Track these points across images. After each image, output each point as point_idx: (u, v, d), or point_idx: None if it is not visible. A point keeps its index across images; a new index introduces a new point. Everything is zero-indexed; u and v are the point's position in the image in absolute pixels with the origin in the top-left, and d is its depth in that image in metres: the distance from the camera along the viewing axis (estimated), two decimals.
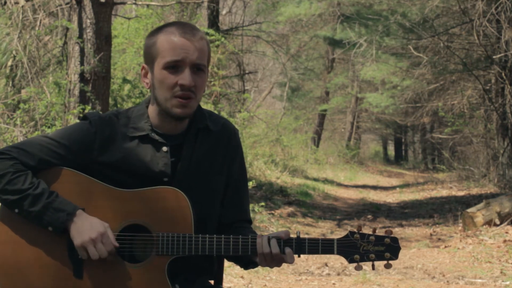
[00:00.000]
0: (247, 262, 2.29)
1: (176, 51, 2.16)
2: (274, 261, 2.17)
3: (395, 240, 2.20)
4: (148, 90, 2.28)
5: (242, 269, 2.39)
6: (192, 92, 2.18)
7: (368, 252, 2.19)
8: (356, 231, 2.20)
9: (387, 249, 2.19)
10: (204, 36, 2.22)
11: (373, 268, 2.21)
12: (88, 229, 2.13)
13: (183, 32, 2.18)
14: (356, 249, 2.19)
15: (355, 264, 2.19)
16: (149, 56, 2.22)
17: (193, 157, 2.28)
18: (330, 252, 2.18)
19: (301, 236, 2.19)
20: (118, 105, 8.79)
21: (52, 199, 2.14)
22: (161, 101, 2.20)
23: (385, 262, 2.19)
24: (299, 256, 2.19)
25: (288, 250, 2.16)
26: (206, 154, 2.30)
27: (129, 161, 2.23)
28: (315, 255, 7.36)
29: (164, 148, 2.24)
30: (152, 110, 2.27)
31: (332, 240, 2.19)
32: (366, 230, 2.21)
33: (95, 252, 2.12)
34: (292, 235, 2.20)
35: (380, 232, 2.22)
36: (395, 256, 2.19)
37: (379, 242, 2.19)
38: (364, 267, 2.22)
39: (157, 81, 2.19)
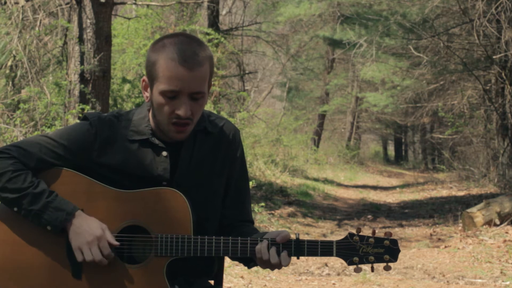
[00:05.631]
0: (249, 261, 2.28)
1: (174, 81, 2.11)
2: (272, 266, 2.17)
3: (394, 242, 2.18)
4: None
5: (246, 267, 2.38)
6: (190, 119, 2.17)
7: (367, 254, 2.17)
8: (356, 233, 2.18)
9: (387, 252, 2.17)
10: (206, 55, 2.16)
11: (372, 270, 2.20)
12: (86, 231, 2.13)
13: (183, 60, 2.10)
14: (355, 252, 2.17)
15: (354, 266, 2.18)
16: (149, 74, 2.18)
17: (192, 160, 2.27)
18: (329, 254, 2.17)
19: (301, 237, 2.18)
20: (118, 105, 8.79)
21: (51, 199, 2.15)
22: (159, 121, 2.20)
23: (384, 264, 2.19)
24: (298, 258, 2.19)
25: (283, 253, 2.15)
26: (205, 156, 2.29)
27: (128, 163, 2.22)
28: None
29: (164, 153, 2.24)
30: (152, 116, 2.26)
31: (331, 242, 2.18)
32: (366, 231, 2.20)
33: (90, 255, 2.13)
34: (291, 236, 2.19)
35: (380, 233, 2.20)
36: (394, 258, 2.18)
37: (378, 244, 2.18)
38: (363, 268, 2.21)
39: (155, 103, 2.18)
